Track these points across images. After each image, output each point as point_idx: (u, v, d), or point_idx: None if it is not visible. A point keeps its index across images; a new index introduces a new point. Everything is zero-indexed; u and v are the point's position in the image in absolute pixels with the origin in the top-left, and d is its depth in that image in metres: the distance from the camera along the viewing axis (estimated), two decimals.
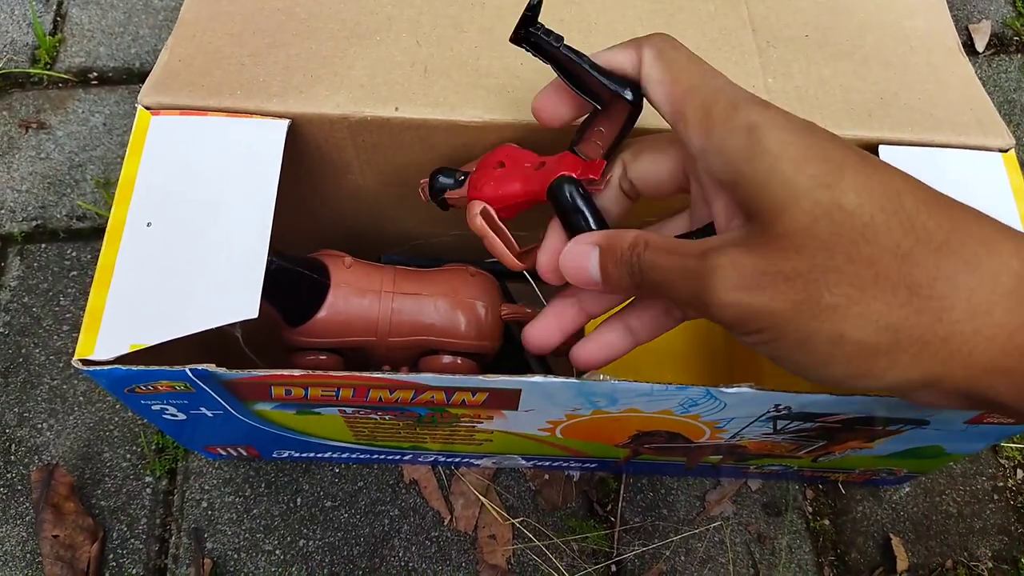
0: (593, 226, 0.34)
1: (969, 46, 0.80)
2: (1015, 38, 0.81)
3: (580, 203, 0.35)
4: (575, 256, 0.32)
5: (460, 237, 0.55)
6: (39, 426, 0.58)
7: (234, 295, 0.36)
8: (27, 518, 0.55)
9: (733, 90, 0.29)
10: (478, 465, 0.56)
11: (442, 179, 0.43)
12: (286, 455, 0.54)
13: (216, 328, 0.42)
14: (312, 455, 0.54)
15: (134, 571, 0.53)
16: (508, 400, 0.40)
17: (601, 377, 0.36)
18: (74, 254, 0.64)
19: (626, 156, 0.35)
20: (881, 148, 0.43)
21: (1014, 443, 0.60)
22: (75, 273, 0.63)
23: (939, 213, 0.25)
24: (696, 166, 0.32)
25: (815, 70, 0.45)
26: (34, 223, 0.66)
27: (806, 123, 0.28)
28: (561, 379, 0.36)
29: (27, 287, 0.63)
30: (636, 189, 0.36)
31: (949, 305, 0.25)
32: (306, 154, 0.44)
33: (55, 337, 0.61)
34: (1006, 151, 0.43)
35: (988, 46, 0.80)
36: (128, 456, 0.57)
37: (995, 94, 0.77)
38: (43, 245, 0.65)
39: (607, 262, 0.31)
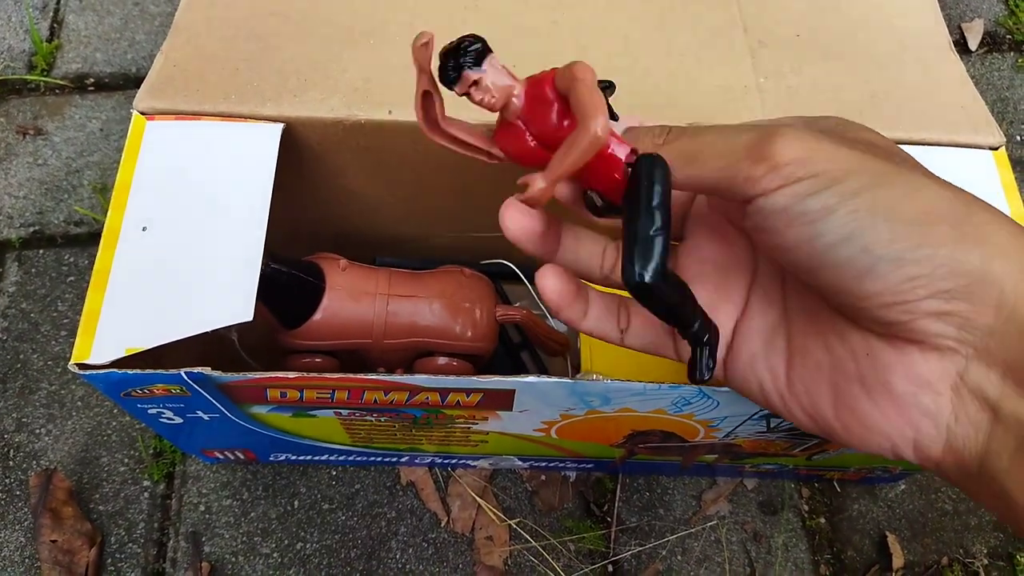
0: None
1: (962, 44, 0.81)
2: (1007, 36, 0.81)
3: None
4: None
5: (455, 239, 0.56)
6: (37, 431, 0.58)
7: (229, 298, 0.36)
8: (25, 523, 0.55)
9: None
10: (475, 466, 0.57)
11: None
12: (283, 458, 0.54)
13: (212, 331, 0.42)
14: (309, 458, 0.54)
15: (132, 575, 0.54)
16: (502, 401, 0.40)
17: (595, 377, 0.37)
18: (71, 259, 0.64)
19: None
20: None
21: None
22: (72, 278, 0.64)
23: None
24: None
25: (807, 69, 0.46)
26: (32, 229, 0.66)
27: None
28: (555, 379, 0.37)
29: (25, 293, 0.63)
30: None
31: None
32: (301, 157, 0.45)
33: (53, 342, 0.61)
34: (996, 149, 0.44)
35: (981, 44, 0.81)
36: (126, 461, 0.57)
37: (988, 92, 0.77)
38: (40, 251, 0.65)
39: (666, 150, 0.27)
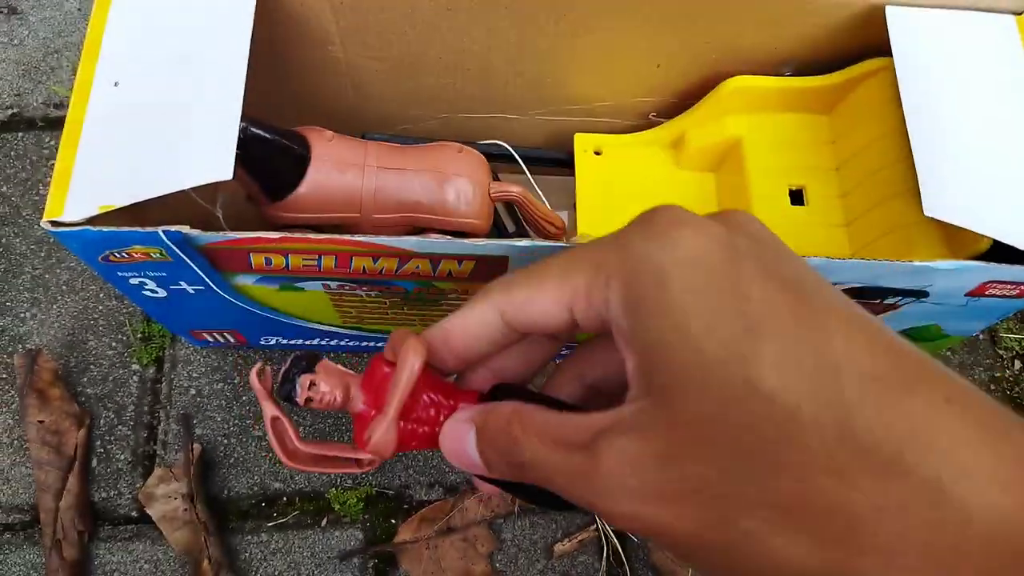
0: None
1: None
2: None
3: None
4: (452, 437, 0.26)
5: (448, 120, 0.54)
6: (22, 315, 0.57)
7: (208, 156, 0.35)
8: (12, 406, 0.54)
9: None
10: None
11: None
12: (273, 342, 0.53)
13: (197, 206, 0.41)
14: (300, 342, 0.53)
15: (122, 457, 0.53)
16: (496, 271, 0.39)
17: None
18: (52, 142, 0.62)
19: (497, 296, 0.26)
20: (888, 10, 0.41)
21: (1012, 333, 0.59)
22: (53, 162, 0.61)
23: (893, 405, 0.18)
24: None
25: None
26: (9, 111, 0.64)
27: (732, 252, 0.21)
28: (550, 243, 0.35)
29: (5, 176, 0.61)
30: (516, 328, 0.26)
31: (900, 552, 0.17)
32: (281, 19, 0.42)
33: (35, 226, 0.59)
34: (1019, 14, 0.41)
35: None
36: (114, 345, 0.56)
37: None
38: (20, 134, 0.63)
39: (484, 447, 0.24)
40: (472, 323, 0.26)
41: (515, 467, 0.23)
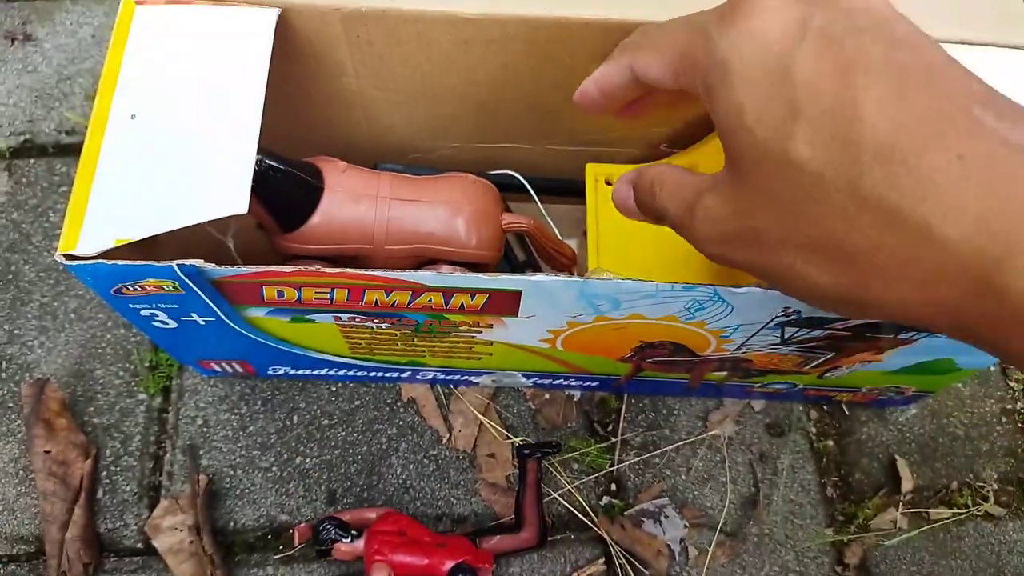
0: None
1: None
2: None
3: None
4: (619, 195, 0.33)
5: (460, 150, 0.54)
6: (30, 343, 0.57)
7: (223, 190, 0.35)
8: (19, 435, 0.54)
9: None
10: (477, 384, 0.55)
11: (336, 531, 0.47)
12: (281, 372, 0.53)
13: (208, 239, 0.41)
14: (308, 372, 0.53)
15: (128, 488, 0.53)
16: (508, 304, 0.39)
17: (605, 275, 0.35)
18: (63, 169, 0.62)
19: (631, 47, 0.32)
20: None
21: None
22: (64, 188, 0.62)
23: (899, 168, 0.22)
24: None
25: None
26: (22, 138, 0.64)
27: (797, 36, 0.24)
28: (563, 278, 0.35)
29: (16, 203, 0.61)
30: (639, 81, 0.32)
31: (896, 277, 0.23)
32: (297, 52, 0.42)
33: (45, 253, 0.59)
34: None
35: None
36: (121, 373, 0.56)
37: None
38: (31, 160, 0.63)
39: (639, 198, 0.31)
40: (614, 73, 0.32)
41: (657, 215, 0.30)
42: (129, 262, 0.34)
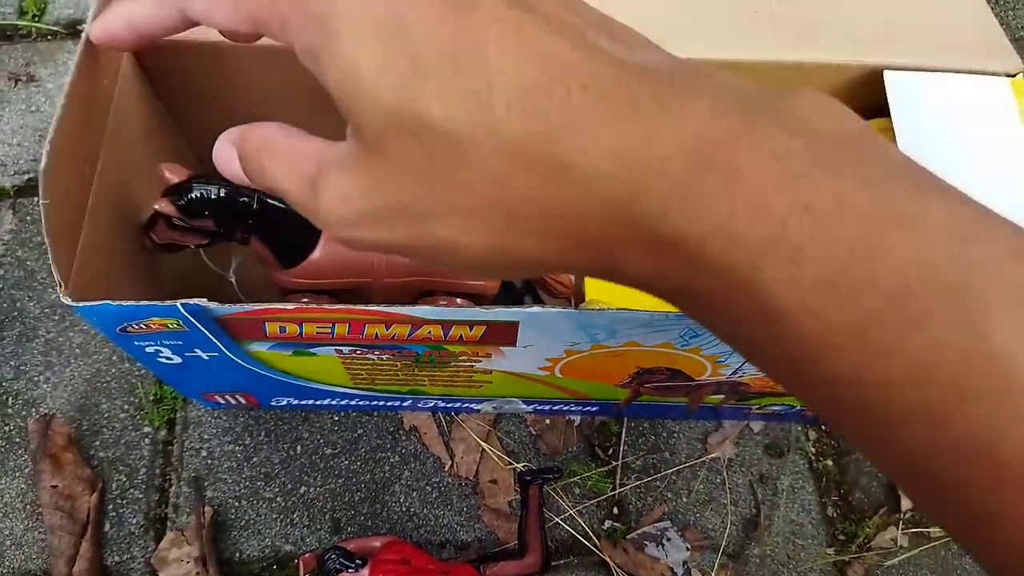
0: None
1: None
2: None
3: None
4: (221, 158, 0.27)
5: None
6: (35, 379, 0.57)
7: None
8: (26, 470, 0.54)
9: None
10: (478, 411, 0.56)
11: (341, 560, 0.47)
12: (284, 403, 0.54)
13: (208, 269, 0.42)
14: (311, 402, 0.54)
15: (134, 521, 0.53)
16: (506, 335, 0.39)
17: (600, 306, 0.36)
18: None
19: None
20: (887, 74, 0.42)
21: None
22: None
23: (532, 111, 0.20)
24: None
25: None
26: (26, 176, 0.65)
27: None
28: (559, 309, 0.36)
29: (20, 240, 0.62)
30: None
31: (544, 229, 0.21)
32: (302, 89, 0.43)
33: (49, 290, 0.60)
34: (1014, 76, 0.42)
35: None
36: (126, 407, 0.57)
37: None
38: (35, 199, 0.64)
39: (246, 168, 0.26)
40: (155, 15, 0.28)
41: (270, 191, 0.25)
42: (134, 302, 0.34)
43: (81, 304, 0.34)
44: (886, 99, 0.42)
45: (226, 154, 0.27)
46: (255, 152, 0.25)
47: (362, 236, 0.23)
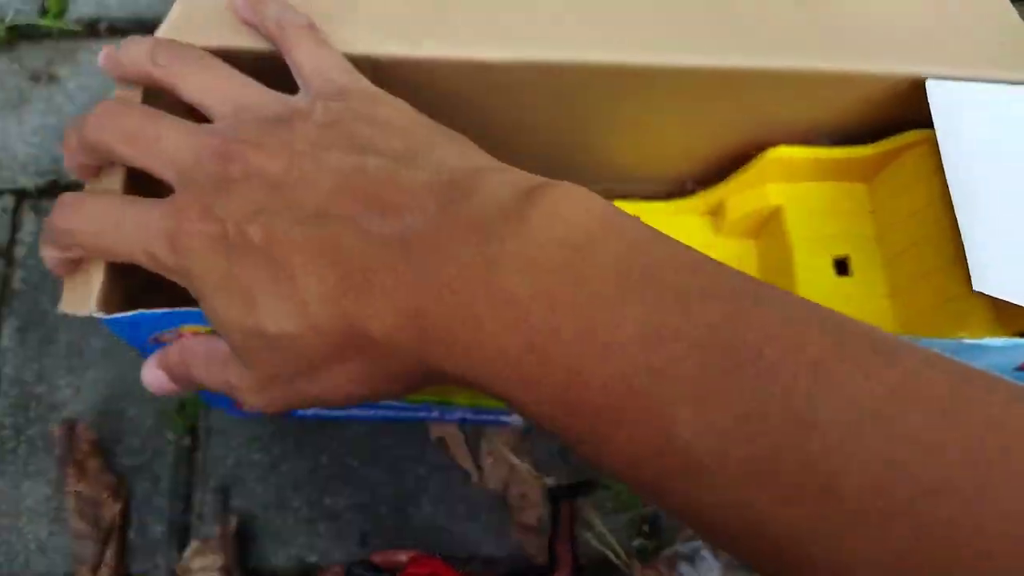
0: None
1: None
2: None
3: None
4: (154, 383, 0.35)
5: None
6: (57, 383, 0.57)
7: None
8: (48, 475, 0.54)
9: None
10: (507, 423, 0.55)
11: (366, 574, 0.47)
12: (311, 412, 0.53)
13: None
14: (338, 412, 0.53)
15: (159, 529, 0.53)
16: None
17: None
18: None
19: None
20: (929, 83, 0.41)
21: None
22: None
23: (337, 309, 0.27)
24: None
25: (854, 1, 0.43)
26: (48, 178, 0.64)
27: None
28: None
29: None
30: None
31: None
32: None
33: None
34: None
35: None
36: (150, 413, 0.56)
37: None
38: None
39: (175, 377, 0.35)
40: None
41: (197, 388, 0.34)
42: (167, 310, 0.34)
43: (112, 316, 0.33)
44: (927, 108, 0.41)
45: (156, 378, 0.35)
46: (179, 362, 0.33)
47: (259, 403, 0.30)
